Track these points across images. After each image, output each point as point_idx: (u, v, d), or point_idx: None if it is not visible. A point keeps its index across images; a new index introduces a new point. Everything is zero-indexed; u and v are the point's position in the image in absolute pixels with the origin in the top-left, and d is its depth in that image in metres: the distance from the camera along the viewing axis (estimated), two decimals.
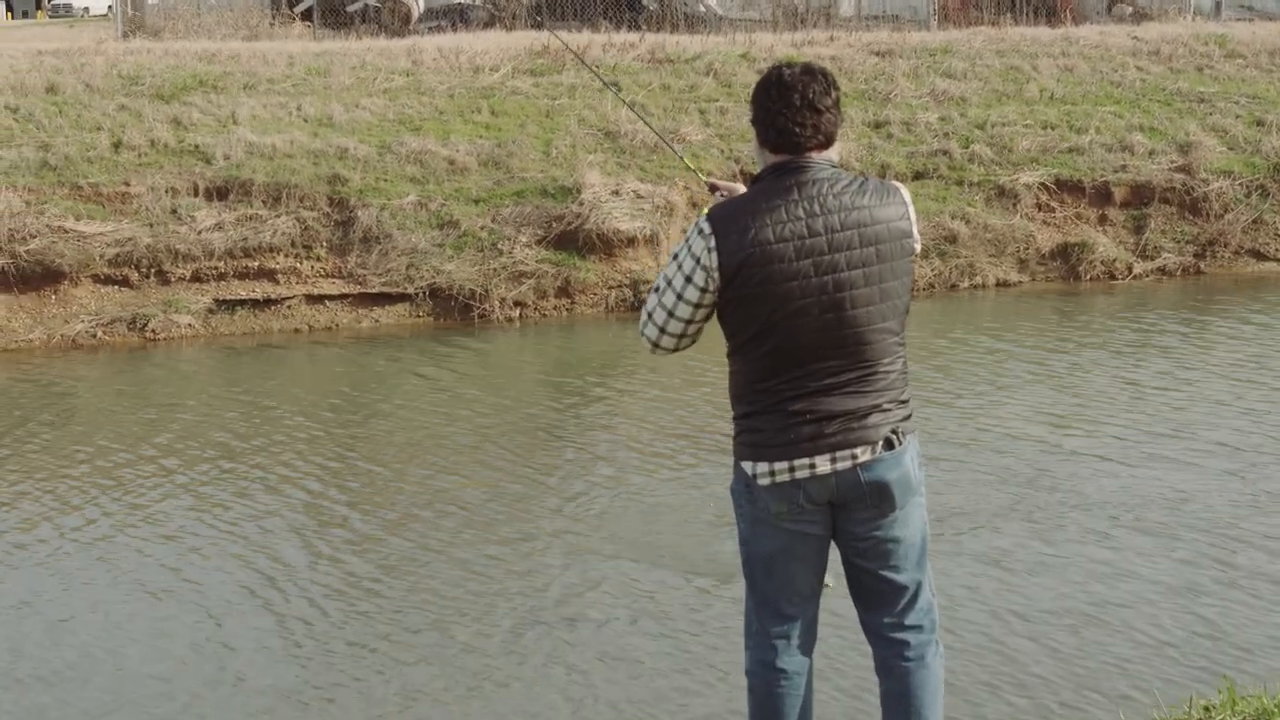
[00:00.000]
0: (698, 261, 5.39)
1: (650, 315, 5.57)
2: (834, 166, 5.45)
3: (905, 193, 5.50)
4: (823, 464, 5.38)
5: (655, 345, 5.62)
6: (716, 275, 5.35)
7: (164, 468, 11.92)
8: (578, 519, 10.48)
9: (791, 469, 5.39)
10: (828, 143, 5.45)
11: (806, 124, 5.39)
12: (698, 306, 5.46)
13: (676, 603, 8.92)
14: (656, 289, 5.55)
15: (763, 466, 5.43)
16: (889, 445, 5.43)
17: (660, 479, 11.39)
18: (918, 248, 5.54)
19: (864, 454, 5.39)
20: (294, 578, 9.55)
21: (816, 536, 5.52)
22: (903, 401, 5.51)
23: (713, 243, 5.35)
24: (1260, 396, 13.45)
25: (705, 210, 5.49)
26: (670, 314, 5.50)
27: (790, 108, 5.39)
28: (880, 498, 5.44)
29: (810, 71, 5.48)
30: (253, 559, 9.89)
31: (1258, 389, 13.71)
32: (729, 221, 5.37)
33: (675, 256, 5.48)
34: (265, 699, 7.87)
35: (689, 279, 5.42)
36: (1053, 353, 15.38)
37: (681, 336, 5.56)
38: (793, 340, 5.34)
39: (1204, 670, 7.87)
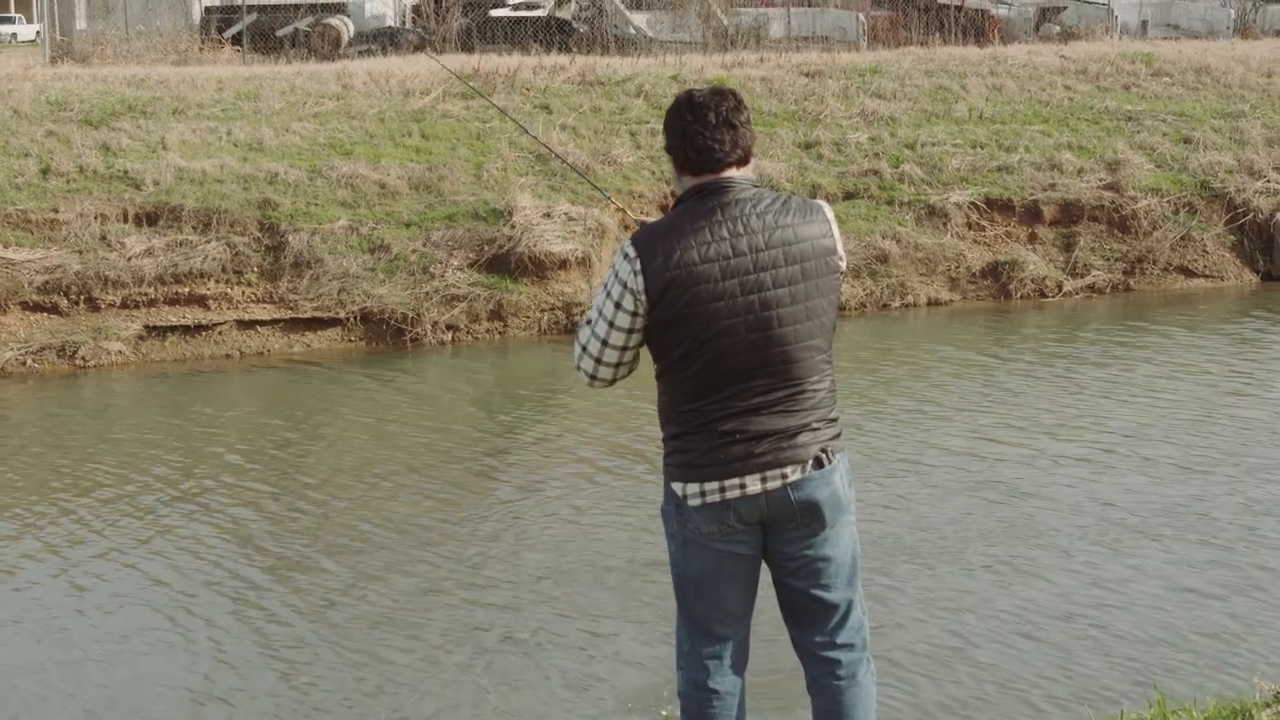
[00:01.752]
0: (625, 286, 5.38)
1: (585, 348, 5.55)
2: (756, 186, 5.46)
3: (828, 210, 5.51)
4: (753, 484, 5.38)
5: (593, 377, 5.59)
6: (644, 298, 5.35)
7: (114, 494, 11.85)
8: (532, 537, 10.50)
9: (722, 489, 5.39)
10: (745, 158, 5.46)
11: (725, 139, 5.40)
12: (630, 331, 5.44)
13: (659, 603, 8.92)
14: (588, 321, 5.54)
15: (693, 487, 5.43)
16: (819, 464, 5.43)
17: (609, 495, 11.43)
18: (843, 265, 5.55)
19: (794, 473, 5.39)
20: (272, 593, 9.61)
21: (747, 556, 5.51)
22: (831, 420, 5.51)
23: (638, 265, 5.34)
24: (1211, 404, 13.78)
25: (630, 236, 5.50)
26: (604, 343, 5.49)
27: (707, 125, 5.40)
28: (811, 517, 5.44)
29: (720, 91, 5.51)
30: (222, 579, 9.94)
31: (1204, 401, 13.97)
32: (653, 244, 5.37)
33: (604, 286, 5.48)
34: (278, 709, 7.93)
35: (618, 305, 5.41)
36: (1001, 369, 15.61)
37: (618, 365, 5.54)
38: (721, 360, 5.34)
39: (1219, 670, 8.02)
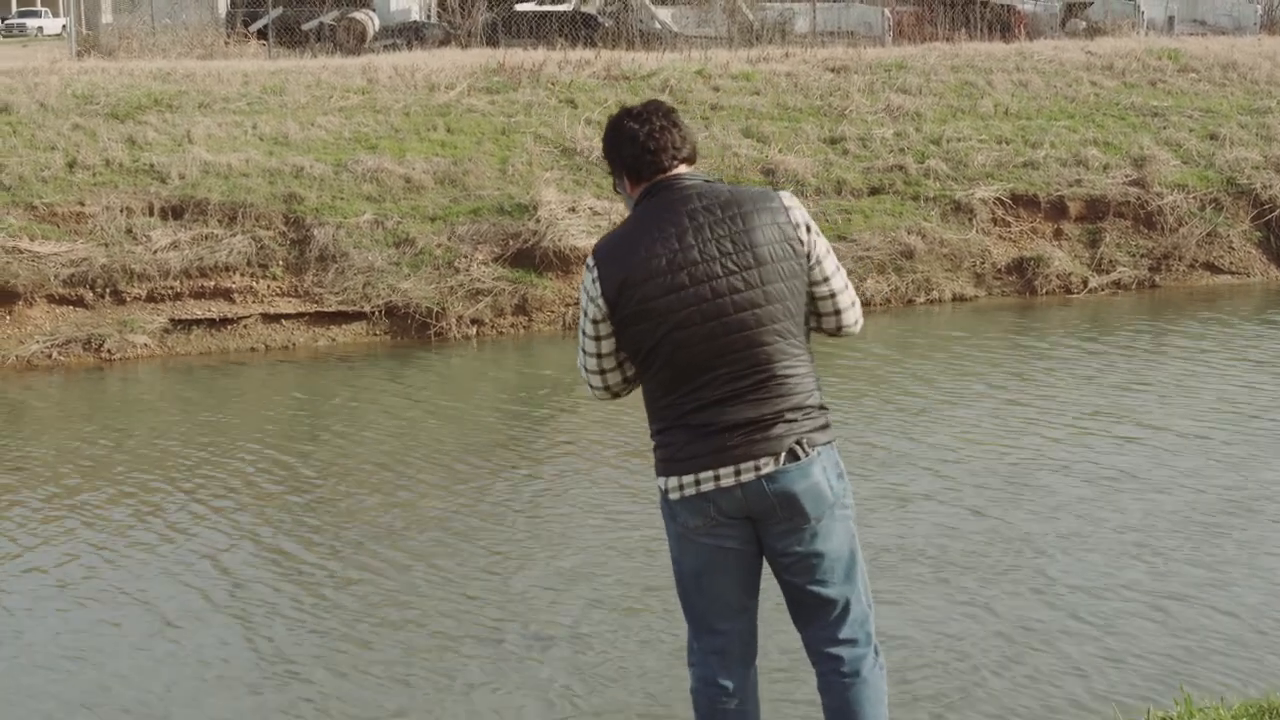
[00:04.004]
0: (588, 295, 5.55)
1: (579, 360, 5.72)
2: (707, 180, 5.58)
3: (787, 197, 5.57)
4: (727, 476, 5.41)
5: (591, 387, 5.75)
6: (603, 304, 5.49)
7: (136, 487, 11.85)
8: (553, 534, 10.50)
9: (698, 482, 5.44)
10: (693, 155, 5.63)
11: (674, 135, 5.56)
12: (598, 339, 5.58)
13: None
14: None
15: (673, 481, 5.49)
16: (794, 456, 5.43)
17: (634, 493, 11.42)
18: (810, 249, 5.49)
19: (767, 465, 5.41)
20: (415, 571, 9.74)
21: (736, 551, 5.53)
22: (810, 410, 5.49)
23: (596, 273, 5.50)
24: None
25: (592, 248, 5.64)
26: (583, 351, 5.66)
27: (655, 129, 5.56)
28: (790, 510, 5.45)
29: (653, 101, 5.74)
30: (365, 560, 10.05)
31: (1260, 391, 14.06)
32: (608, 251, 5.53)
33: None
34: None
35: (584, 314, 5.60)
36: (1067, 359, 15.70)
37: (602, 373, 5.65)
38: (680, 352, 5.42)
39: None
